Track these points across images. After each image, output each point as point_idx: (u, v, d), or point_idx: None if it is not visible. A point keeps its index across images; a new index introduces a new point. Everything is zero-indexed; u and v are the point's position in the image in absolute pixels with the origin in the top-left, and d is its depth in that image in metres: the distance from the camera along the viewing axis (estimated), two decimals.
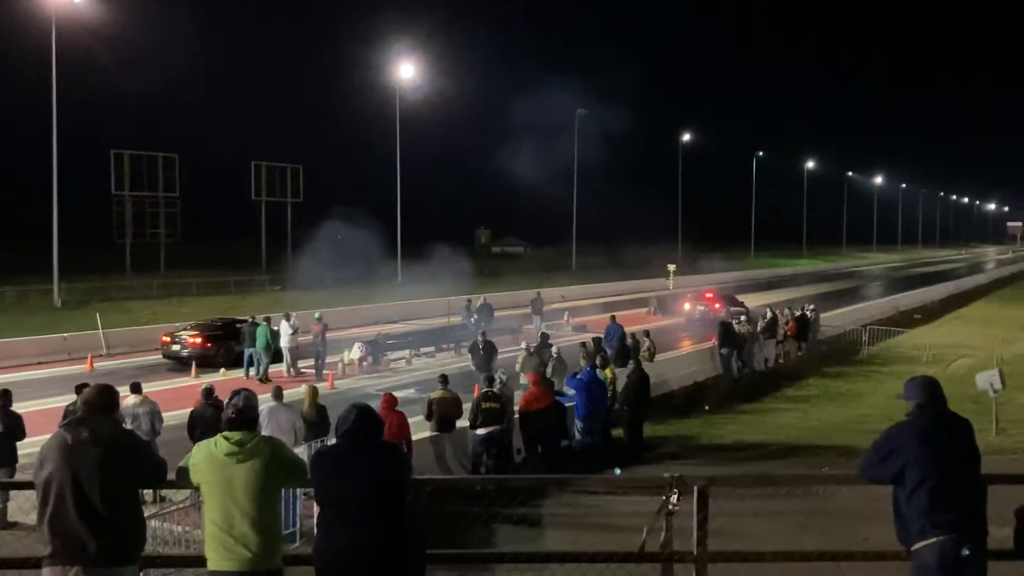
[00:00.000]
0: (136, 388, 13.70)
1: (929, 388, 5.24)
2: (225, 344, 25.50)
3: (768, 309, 31.67)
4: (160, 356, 26.37)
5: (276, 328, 24.31)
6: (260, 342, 24.01)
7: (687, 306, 39.50)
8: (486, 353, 22.29)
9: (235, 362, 25.00)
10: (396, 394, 20.85)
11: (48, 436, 4.92)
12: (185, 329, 26.61)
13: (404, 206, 56.28)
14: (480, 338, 23.06)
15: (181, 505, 9.93)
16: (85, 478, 4.67)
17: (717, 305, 38.54)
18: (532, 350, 20.65)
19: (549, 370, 19.10)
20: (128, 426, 12.68)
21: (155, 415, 13.36)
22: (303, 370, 24.66)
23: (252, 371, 24.20)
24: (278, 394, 13.27)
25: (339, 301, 42.93)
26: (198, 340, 25.58)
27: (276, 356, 24.31)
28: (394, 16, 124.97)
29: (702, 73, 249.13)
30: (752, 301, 44.27)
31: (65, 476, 4.68)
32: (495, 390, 14.77)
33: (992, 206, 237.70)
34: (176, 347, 25.52)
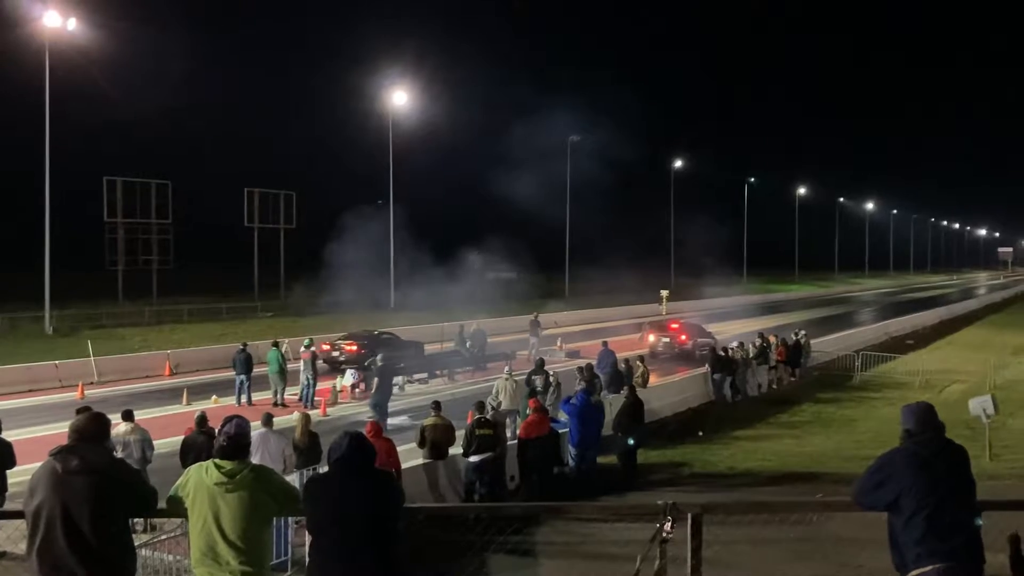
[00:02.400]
0: (128, 416, 13.65)
1: (924, 415, 5.21)
2: (372, 351, 27.90)
3: (759, 335, 31.68)
4: (147, 385, 26.29)
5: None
6: (273, 367, 24.08)
7: (651, 337, 35.46)
8: (381, 380, 21.53)
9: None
10: (389, 421, 21.00)
11: (38, 465, 4.88)
12: (341, 339, 31.04)
13: (396, 231, 56.30)
14: (377, 361, 22.63)
15: (172, 534, 9.84)
16: (75, 508, 4.62)
17: (683, 336, 35.15)
18: (507, 376, 20.49)
19: (549, 398, 19.03)
20: (119, 454, 12.60)
21: (146, 443, 13.30)
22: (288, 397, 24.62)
23: (243, 398, 24.17)
24: (268, 421, 13.22)
25: (332, 327, 42.85)
26: (353, 347, 29.65)
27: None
28: (389, 43, 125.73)
29: (696, 101, 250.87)
30: (746, 327, 44.32)
31: (55, 506, 4.63)
32: (488, 416, 14.74)
33: (983, 232, 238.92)
34: (335, 353, 29.72)
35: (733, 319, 52.73)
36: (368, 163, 63.83)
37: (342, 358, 29.29)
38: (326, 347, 30.21)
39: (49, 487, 4.67)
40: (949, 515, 4.89)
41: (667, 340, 34.96)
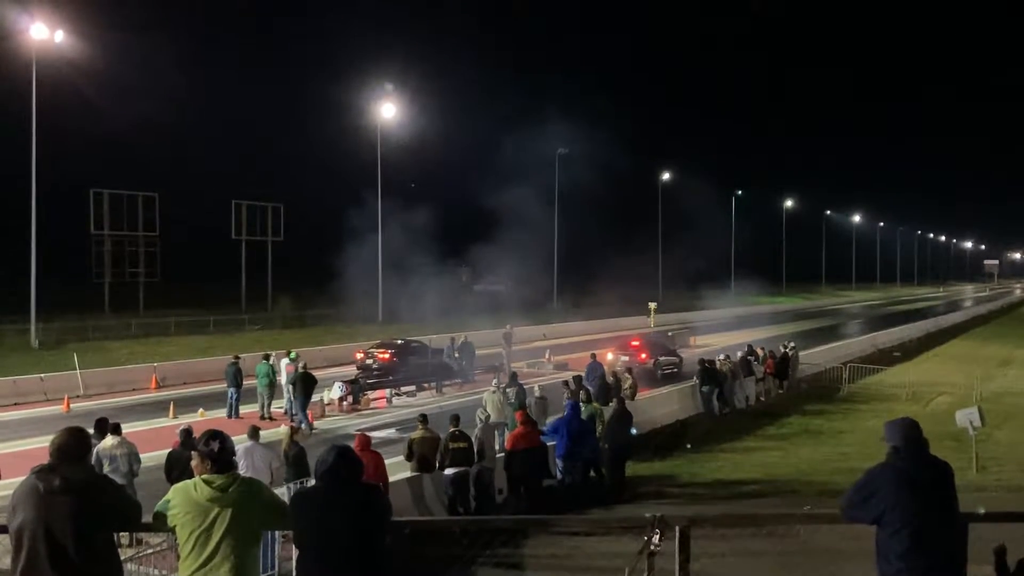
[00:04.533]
0: (115, 429, 13.58)
1: (908, 431, 5.24)
2: (405, 359, 30.15)
3: (748, 347, 31.76)
4: (133, 398, 26.14)
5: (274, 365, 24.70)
6: (262, 381, 24.01)
7: (609, 356, 32.91)
8: (303, 387, 22.76)
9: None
10: (376, 434, 20.97)
11: (23, 479, 4.84)
12: (374, 347, 31.61)
13: (384, 244, 56.23)
14: (299, 367, 23.25)
15: (157, 548, 9.80)
16: (59, 527, 4.58)
17: (643, 355, 33.55)
18: (496, 388, 20.50)
19: (536, 411, 19.01)
20: (106, 467, 12.65)
21: (133, 457, 13.24)
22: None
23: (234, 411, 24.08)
24: (254, 434, 13.20)
25: (319, 340, 42.79)
26: (386, 356, 30.23)
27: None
28: (376, 56, 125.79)
29: (682, 112, 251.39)
30: (734, 339, 44.43)
31: (38, 526, 4.58)
32: (462, 430, 14.75)
33: (969, 244, 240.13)
34: (369, 360, 30.22)
35: (722, 331, 52.87)
36: (357, 175, 63.74)
37: (375, 366, 29.83)
38: (360, 355, 31.26)
39: (32, 506, 4.62)
40: (932, 531, 4.96)
41: (626, 359, 32.81)
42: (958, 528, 5.11)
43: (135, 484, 12.78)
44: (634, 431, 18.88)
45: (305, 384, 22.94)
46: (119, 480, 12.51)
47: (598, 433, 17.03)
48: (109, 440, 13.18)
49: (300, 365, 23.74)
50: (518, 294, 60.51)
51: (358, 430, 20.42)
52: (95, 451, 12.77)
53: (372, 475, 12.41)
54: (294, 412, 23.65)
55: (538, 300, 64.31)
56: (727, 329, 54.44)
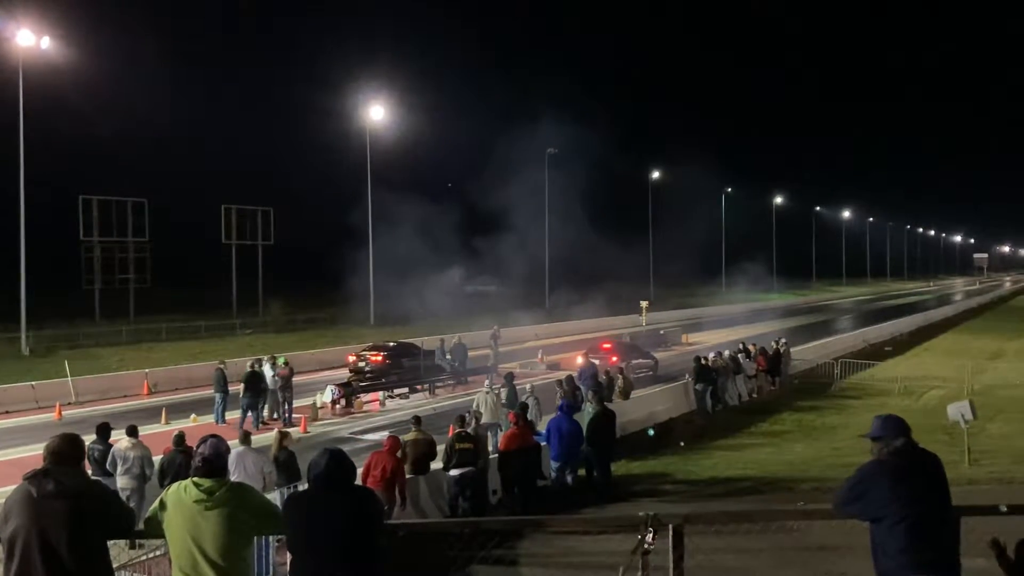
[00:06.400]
0: (132, 431, 13.84)
1: (897, 424, 5.27)
2: (397, 361, 30.22)
3: (741, 343, 31.78)
4: (125, 405, 26.05)
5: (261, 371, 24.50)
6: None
7: (580, 359, 31.74)
8: (251, 387, 23.31)
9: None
10: (370, 436, 20.95)
11: (14, 487, 4.81)
12: (366, 350, 31.57)
13: (375, 246, 56.19)
14: (253, 364, 23.96)
15: (154, 554, 9.74)
16: (52, 532, 4.56)
17: (615, 358, 32.79)
18: (489, 389, 20.45)
19: (532, 412, 18.97)
20: (119, 467, 13.11)
21: (146, 460, 13.48)
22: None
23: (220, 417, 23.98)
24: (245, 439, 13.19)
25: (311, 343, 42.72)
26: (379, 358, 30.25)
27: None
28: (365, 57, 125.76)
29: (671, 110, 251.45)
30: (724, 336, 44.49)
31: (32, 531, 4.56)
32: (468, 431, 14.70)
33: (958, 238, 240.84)
34: (361, 363, 30.24)
35: (715, 328, 52.96)
36: (347, 179, 63.71)
37: (368, 369, 29.88)
38: (352, 358, 31.28)
39: (24, 512, 4.60)
40: (929, 524, 4.96)
41: (596, 362, 30.82)
42: (952, 520, 5.12)
43: (146, 488, 12.95)
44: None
45: (254, 384, 23.20)
46: (131, 481, 12.74)
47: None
48: (125, 441, 13.45)
49: (250, 366, 24.00)
50: (510, 294, 60.52)
51: (352, 433, 20.43)
52: (111, 451, 12.98)
53: (391, 478, 12.61)
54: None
55: (531, 300, 64.34)
56: (721, 326, 54.51)
